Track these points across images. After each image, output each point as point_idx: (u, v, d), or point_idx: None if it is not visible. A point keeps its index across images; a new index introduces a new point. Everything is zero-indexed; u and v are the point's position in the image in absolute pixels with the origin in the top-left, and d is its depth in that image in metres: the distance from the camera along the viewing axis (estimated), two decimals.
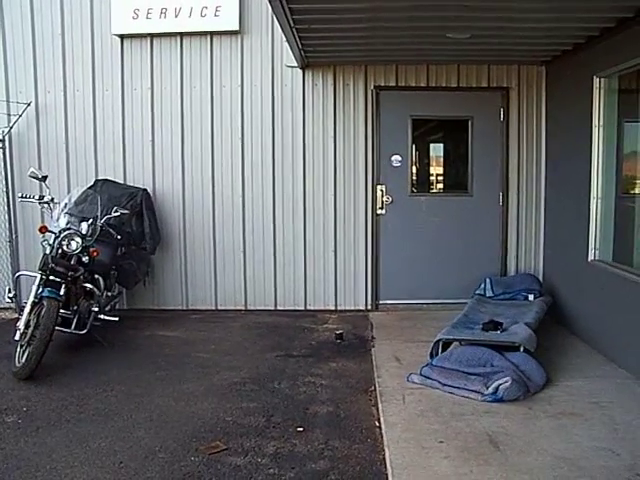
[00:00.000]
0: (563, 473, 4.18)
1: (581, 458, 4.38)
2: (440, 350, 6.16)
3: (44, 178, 7.16)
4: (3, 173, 8.53)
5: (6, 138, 8.51)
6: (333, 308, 8.70)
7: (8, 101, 8.55)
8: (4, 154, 8.52)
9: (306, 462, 4.50)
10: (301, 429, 5.06)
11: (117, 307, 8.29)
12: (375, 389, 5.78)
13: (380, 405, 5.37)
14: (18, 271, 7.96)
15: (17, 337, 6.28)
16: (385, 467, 4.36)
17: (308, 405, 5.54)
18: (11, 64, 8.60)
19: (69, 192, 7.77)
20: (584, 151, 7.05)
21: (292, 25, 6.16)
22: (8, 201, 8.53)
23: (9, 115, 8.51)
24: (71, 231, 6.77)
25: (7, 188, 8.53)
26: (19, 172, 8.53)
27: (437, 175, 9.18)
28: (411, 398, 5.49)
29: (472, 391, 5.49)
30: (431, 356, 6.14)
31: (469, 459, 4.37)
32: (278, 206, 8.62)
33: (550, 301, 7.76)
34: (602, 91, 6.85)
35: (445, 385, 5.64)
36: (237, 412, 5.41)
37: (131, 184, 8.52)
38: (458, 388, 5.56)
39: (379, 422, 5.10)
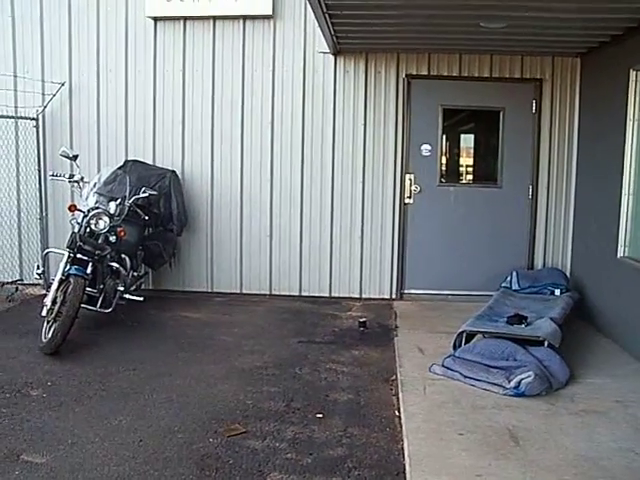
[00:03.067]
0: (584, 472, 4.13)
1: (603, 458, 4.32)
2: (463, 342, 6.12)
3: (75, 157, 7.22)
4: (36, 152, 8.64)
5: (40, 117, 8.62)
6: (358, 296, 8.68)
7: (43, 81, 8.62)
8: (37, 133, 8.63)
9: (324, 448, 4.51)
10: (320, 415, 5.07)
11: (143, 287, 8.37)
12: (396, 378, 5.76)
13: (401, 395, 5.36)
14: (47, 248, 8.02)
15: (44, 313, 6.37)
16: (403, 457, 4.35)
17: (328, 392, 5.55)
18: (47, 45, 8.67)
19: (99, 172, 7.81)
20: (618, 146, 6.94)
21: (324, 10, 6.12)
22: (40, 179, 8.64)
23: (43, 95, 8.60)
24: (99, 210, 6.82)
25: (39, 166, 8.65)
26: (51, 151, 8.62)
27: (467, 166, 9.10)
28: (432, 389, 5.47)
29: (494, 384, 5.46)
30: (454, 347, 6.10)
31: (488, 452, 4.35)
32: (306, 191, 8.61)
33: (577, 297, 7.68)
34: (638, 85, 6.73)
35: (467, 377, 5.61)
36: (257, 396, 5.43)
37: (160, 165, 8.56)
38: (480, 381, 5.53)
39: (399, 412, 5.09)
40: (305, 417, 5.04)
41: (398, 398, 5.34)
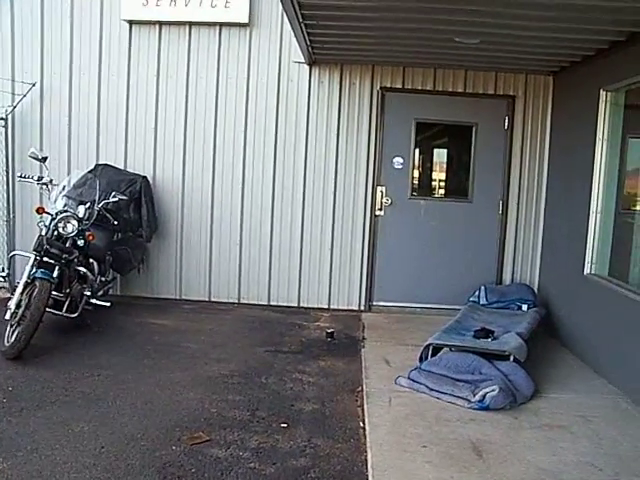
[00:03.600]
0: None
1: (563, 471, 4.36)
2: (430, 355, 6.14)
3: (44, 159, 7.13)
4: (4, 152, 8.51)
5: (9, 117, 8.50)
6: (326, 306, 8.67)
7: (13, 80, 8.52)
8: (6, 133, 8.51)
9: (287, 458, 4.49)
10: (285, 425, 5.05)
11: (111, 292, 8.27)
12: (362, 390, 5.76)
13: (366, 406, 5.36)
14: (13, 251, 7.92)
15: (7, 316, 6.28)
16: (366, 468, 4.35)
17: (294, 402, 5.53)
18: (18, 44, 8.57)
19: (69, 174, 7.74)
20: (587, 164, 7.03)
21: (301, 20, 6.13)
22: (7, 180, 8.52)
23: (13, 94, 8.48)
24: (68, 214, 6.76)
25: (7, 167, 8.53)
26: (20, 152, 8.50)
27: (438, 180, 9.16)
28: (398, 401, 5.48)
29: (459, 397, 5.48)
30: (420, 360, 6.12)
31: (451, 465, 4.36)
32: (277, 200, 8.59)
33: (544, 312, 7.73)
34: (608, 105, 6.82)
35: (432, 390, 5.62)
36: (222, 404, 5.39)
37: (132, 170, 8.50)
38: (445, 394, 5.55)
39: (364, 423, 5.08)
40: (269, 426, 5.01)
41: (363, 409, 5.33)
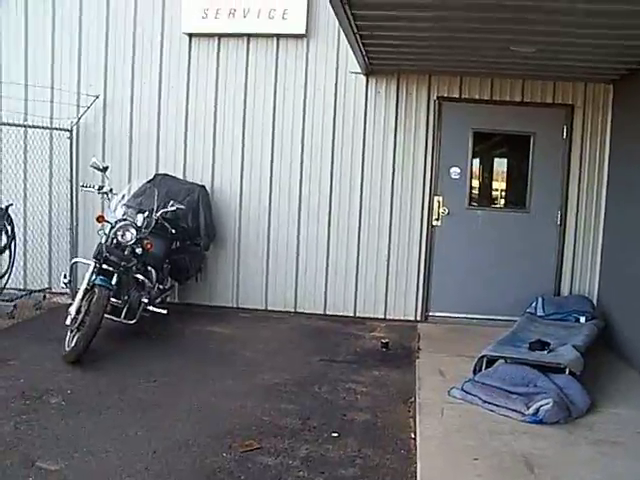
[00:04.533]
0: None
1: None
2: (484, 366, 6.08)
3: (105, 169, 7.32)
4: (69, 162, 8.76)
5: (74, 129, 8.75)
6: (382, 317, 8.65)
7: (78, 93, 8.77)
8: (71, 144, 8.77)
9: (336, 468, 4.50)
10: (336, 434, 5.06)
11: (168, 300, 8.38)
12: (415, 400, 5.74)
13: (418, 417, 5.34)
14: (75, 258, 8.11)
15: (68, 322, 6.44)
16: (415, 479, 4.33)
17: (346, 411, 5.54)
18: (84, 57, 8.83)
19: (129, 184, 7.90)
20: None
21: (355, 31, 6.17)
22: (71, 190, 8.78)
23: (78, 107, 8.74)
24: (126, 222, 6.89)
25: (71, 177, 8.79)
26: (84, 162, 8.70)
27: (495, 190, 9.08)
28: (450, 412, 5.44)
29: (513, 410, 5.40)
30: (474, 372, 6.06)
31: (502, 479, 4.31)
32: (334, 209, 8.63)
33: (602, 325, 7.58)
34: None
35: (486, 402, 5.56)
36: (275, 413, 5.44)
37: (190, 180, 8.64)
38: (499, 406, 5.48)
39: (415, 434, 5.07)
40: (320, 435, 5.04)
41: (415, 420, 5.31)
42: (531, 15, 5.47)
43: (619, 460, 4.72)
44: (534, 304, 8.05)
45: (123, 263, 6.74)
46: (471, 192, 8.70)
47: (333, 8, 5.42)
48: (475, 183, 8.96)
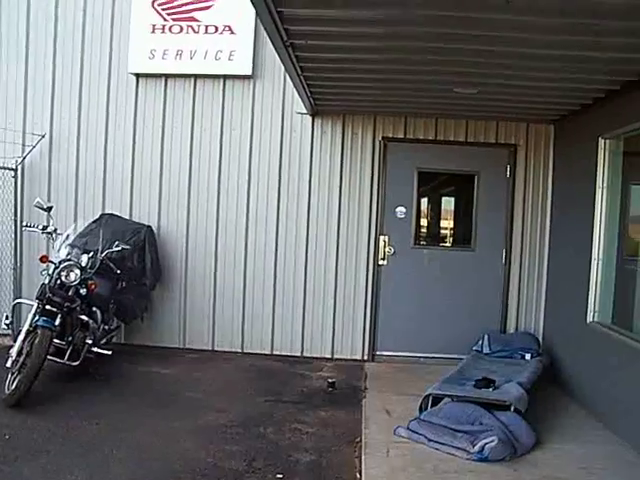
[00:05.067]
0: None
1: None
2: (430, 405, 6.09)
3: (49, 209, 7.22)
4: (13, 202, 8.62)
5: (19, 168, 8.62)
6: (329, 356, 8.63)
7: (24, 132, 8.67)
8: (15, 183, 8.63)
9: None
10: (280, 476, 5.01)
11: (114, 341, 8.27)
12: (361, 440, 5.71)
13: (363, 457, 5.31)
14: (19, 299, 7.96)
15: (9, 364, 6.29)
16: None
17: (291, 452, 5.49)
18: (30, 96, 8.77)
19: (74, 224, 7.82)
20: (587, 212, 7.04)
21: (299, 73, 6.23)
22: (15, 229, 8.63)
23: (24, 145, 8.64)
24: (71, 262, 6.80)
25: (16, 217, 8.63)
26: (29, 202, 8.55)
27: (441, 229, 9.21)
28: (396, 452, 5.43)
29: (458, 448, 5.41)
30: (420, 410, 6.07)
31: None
32: (280, 250, 8.64)
33: (547, 361, 7.67)
34: (607, 152, 6.87)
35: (431, 440, 5.56)
36: (219, 454, 5.37)
37: (136, 220, 8.59)
38: (444, 445, 5.49)
39: (360, 474, 5.04)
40: (265, 477, 4.99)
41: (361, 460, 5.29)
42: (473, 58, 5.61)
43: None
44: (480, 342, 8.11)
45: (67, 304, 6.64)
46: (419, 231, 8.80)
47: (276, 50, 5.48)
48: (423, 222, 9.08)
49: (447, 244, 9.04)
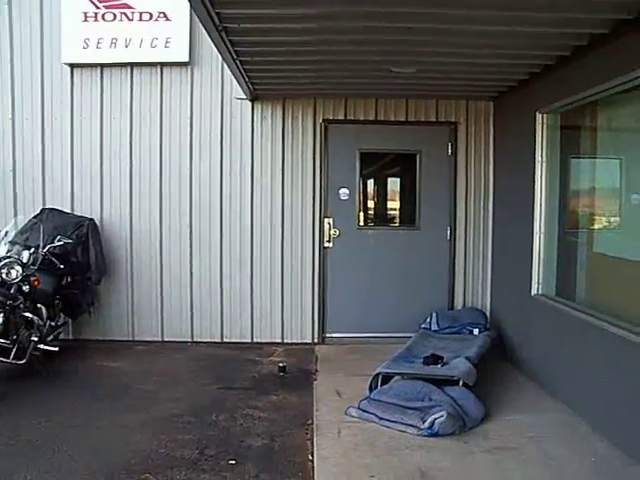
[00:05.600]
0: None
1: None
2: (380, 384, 6.13)
3: None
4: None
5: None
6: (280, 341, 8.63)
7: None
8: None
9: None
10: (233, 462, 5.00)
11: (62, 337, 8.16)
12: (312, 422, 5.74)
13: (315, 439, 5.34)
14: None
15: None
16: None
17: (243, 438, 5.48)
18: None
19: (13, 220, 7.67)
20: (528, 186, 7.14)
21: (235, 57, 6.17)
22: None
23: None
24: (11, 259, 6.68)
25: None
26: None
27: (386, 209, 9.25)
28: (347, 432, 5.46)
29: (409, 425, 5.47)
30: (370, 389, 6.11)
31: None
32: (225, 237, 8.59)
33: (495, 335, 7.79)
34: (545, 127, 6.97)
35: (382, 419, 5.61)
36: (171, 444, 5.33)
37: (79, 214, 8.44)
38: (395, 422, 5.54)
39: (312, 455, 5.06)
40: (218, 464, 4.97)
41: (313, 442, 5.31)
42: (403, 37, 5.62)
43: (513, 465, 4.86)
44: (428, 319, 8.19)
45: (9, 302, 6.52)
46: (365, 212, 8.86)
47: (210, 35, 5.43)
48: (369, 204, 9.11)
49: (394, 224, 9.07)
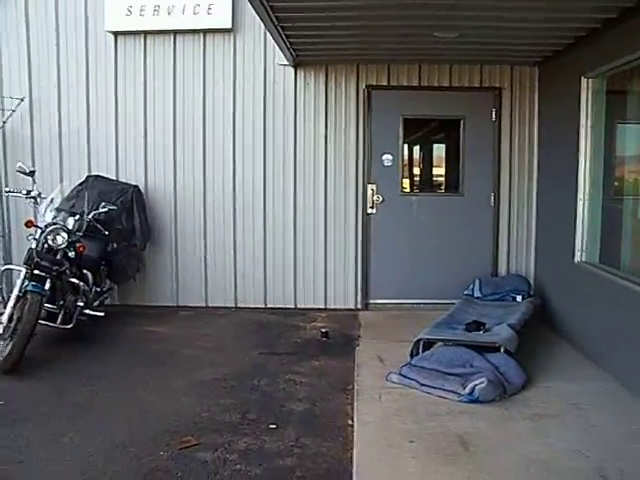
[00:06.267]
0: (528, 474, 4.19)
1: (550, 459, 4.37)
2: (421, 350, 6.15)
3: (32, 173, 7.17)
4: None
5: (0, 132, 8.56)
6: (323, 307, 8.67)
7: (2, 96, 8.59)
8: None
9: (274, 459, 4.51)
10: (274, 426, 5.06)
11: (108, 302, 8.29)
12: (353, 388, 5.77)
13: (356, 404, 5.37)
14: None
15: (0, 331, 6.31)
16: (351, 465, 4.35)
17: (285, 402, 5.54)
18: (5, 60, 8.66)
19: (58, 187, 7.77)
20: (572, 152, 7.02)
21: (276, 24, 6.15)
22: (0, 196, 8.58)
23: (3, 110, 8.56)
24: (57, 226, 6.78)
25: (0, 183, 8.58)
26: (12, 167, 8.48)
27: (430, 175, 9.19)
28: (388, 397, 5.49)
29: (449, 391, 5.48)
30: (411, 355, 6.13)
31: (436, 459, 4.38)
32: (269, 203, 8.62)
33: (538, 302, 7.73)
34: (590, 92, 6.83)
35: (423, 385, 5.62)
36: (214, 408, 5.41)
37: (123, 180, 8.54)
38: (435, 388, 5.55)
39: (352, 420, 5.09)
40: (258, 428, 5.03)
41: (353, 407, 5.34)
42: (454, 1, 5.53)
43: (551, 431, 4.84)
44: (471, 286, 8.15)
45: (55, 267, 6.62)
46: (410, 178, 8.79)
47: (251, 2, 5.40)
48: (414, 170, 9.06)
49: (439, 191, 9.02)
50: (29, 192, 7.12)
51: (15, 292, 6.42)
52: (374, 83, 8.47)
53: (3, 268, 7.52)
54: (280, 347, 7.14)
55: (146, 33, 8.47)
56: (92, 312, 7.21)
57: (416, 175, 9.16)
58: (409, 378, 5.75)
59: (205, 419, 5.20)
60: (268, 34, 7.80)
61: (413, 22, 6.33)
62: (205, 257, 8.73)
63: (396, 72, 8.47)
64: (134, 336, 7.52)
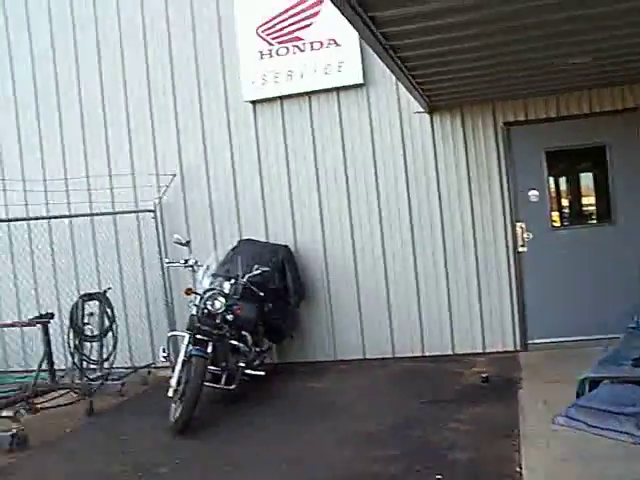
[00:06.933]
0: None
1: None
2: (588, 389, 5.88)
3: (187, 243, 7.58)
4: (156, 241, 9.10)
5: (157, 208, 9.09)
6: (481, 350, 8.49)
7: (157, 174, 9.15)
8: (156, 223, 9.12)
9: None
10: (440, 477, 4.97)
11: (267, 361, 8.50)
12: (519, 433, 5.59)
13: (522, 449, 5.20)
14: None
15: (170, 394, 6.64)
16: None
17: (448, 451, 5.45)
18: (159, 140, 9.25)
19: (213, 254, 8.12)
20: None
21: (407, 73, 6.21)
22: (162, 267, 9.06)
23: (159, 187, 9.10)
24: (214, 291, 7.08)
25: (161, 255, 9.08)
26: (170, 239, 8.97)
27: (578, 206, 8.87)
28: (555, 442, 5.27)
29: (622, 432, 5.18)
30: (577, 396, 5.87)
31: None
32: (419, 251, 8.60)
33: None
34: None
35: (592, 426, 5.36)
36: (378, 460, 5.39)
37: (273, 242, 8.81)
38: (606, 429, 5.26)
39: (520, 467, 4.93)
40: (424, 479, 4.96)
41: (520, 453, 5.17)
42: (579, 25, 5.39)
43: None
44: (635, 318, 7.73)
45: (216, 331, 6.90)
46: (560, 212, 8.60)
47: (378, 55, 5.51)
48: (562, 202, 8.81)
49: (590, 221, 8.72)
50: (186, 261, 7.51)
51: (181, 356, 6.76)
52: (511, 119, 8.35)
53: (169, 335, 7.92)
54: (440, 395, 7.04)
55: (282, 98, 8.80)
56: (253, 372, 7.41)
57: (564, 207, 8.85)
58: (577, 420, 5.50)
59: (367, 472, 5.20)
60: (400, 84, 7.93)
61: (541, 53, 6.18)
62: (360, 310, 8.79)
63: (533, 105, 8.31)
64: (293, 393, 7.66)
